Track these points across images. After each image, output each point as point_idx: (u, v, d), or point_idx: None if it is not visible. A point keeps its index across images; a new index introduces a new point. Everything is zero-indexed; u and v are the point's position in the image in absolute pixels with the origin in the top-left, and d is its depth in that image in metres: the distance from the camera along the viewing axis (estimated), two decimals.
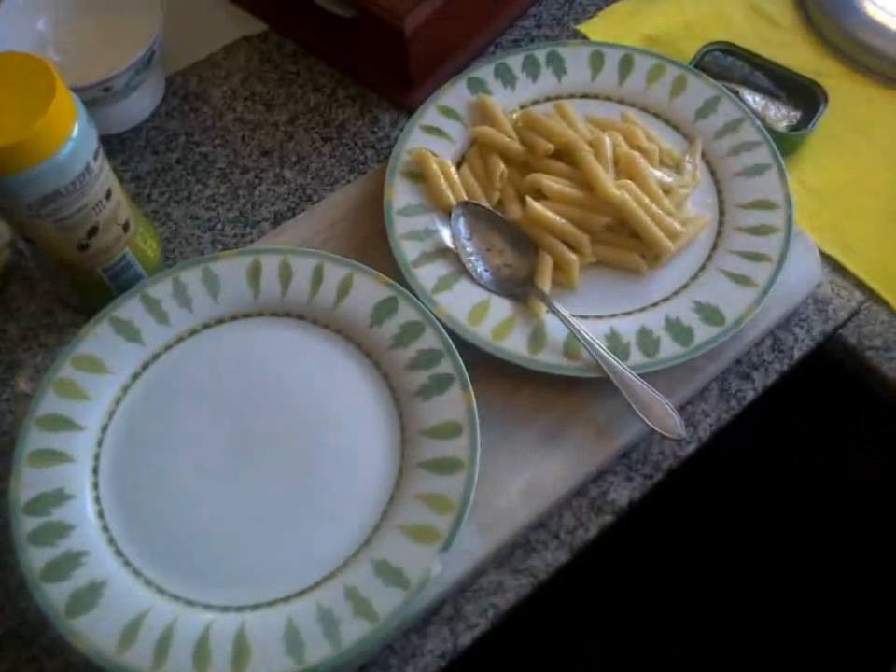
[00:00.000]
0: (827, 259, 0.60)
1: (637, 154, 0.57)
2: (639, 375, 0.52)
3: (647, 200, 0.56)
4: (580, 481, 0.51)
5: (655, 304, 0.55)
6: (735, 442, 0.56)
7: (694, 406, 0.56)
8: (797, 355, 0.57)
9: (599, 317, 0.55)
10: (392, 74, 0.68)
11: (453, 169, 0.59)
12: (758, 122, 0.60)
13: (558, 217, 0.56)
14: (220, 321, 0.54)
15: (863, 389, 0.57)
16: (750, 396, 0.56)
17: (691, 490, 0.57)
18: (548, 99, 0.63)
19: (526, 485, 0.51)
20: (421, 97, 0.65)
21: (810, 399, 0.59)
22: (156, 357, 0.53)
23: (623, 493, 0.53)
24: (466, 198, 0.58)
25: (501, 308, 0.55)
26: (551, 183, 0.56)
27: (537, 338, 0.53)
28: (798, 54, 0.70)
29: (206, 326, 0.54)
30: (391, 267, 0.56)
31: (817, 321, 0.58)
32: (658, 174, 0.58)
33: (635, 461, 0.54)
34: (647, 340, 0.53)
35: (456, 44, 0.69)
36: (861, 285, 0.59)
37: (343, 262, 0.56)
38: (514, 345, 0.53)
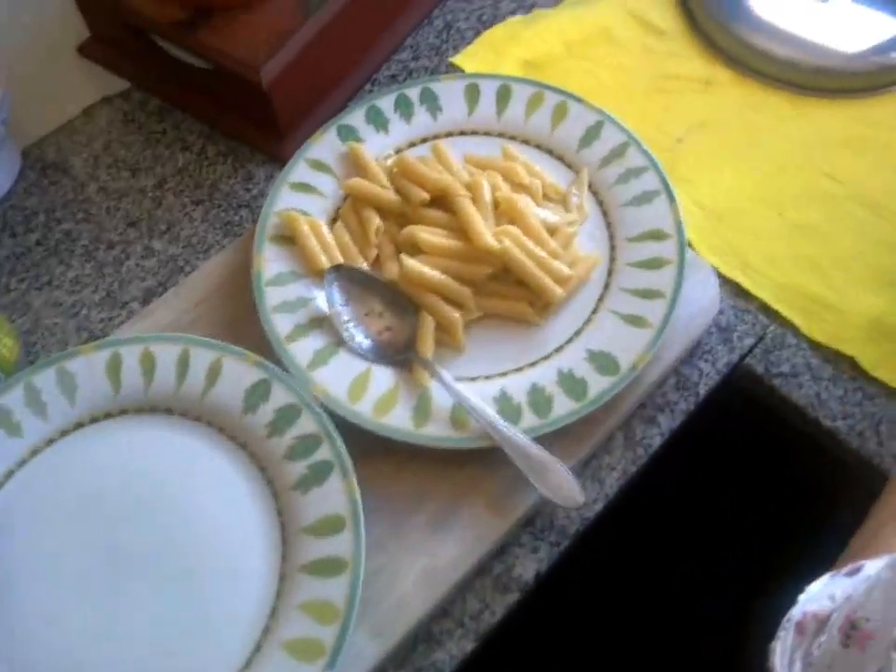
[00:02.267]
0: (729, 282, 0.56)
1: (517, 197, 0.52)
2: (534, 438, 0.47)
3: (531, 245, 0.51)
4: (479, 561, 0.47)
5: (547, 357, 0.50)
6: (646, 490, 0.52)
7: (599, 459, 0.51)
8: (703, 391, 0.53)
9: (488, 378, 0.50)
10: (261, 125, 0.62)
11: (325, 228, 0.54)
12: (644, 146, 0.56)
13: (437, 273, 0.51)
14: (79, 424, 0.49)
15: (775, 418, 0.53)
16: (657, 442, 0.52)
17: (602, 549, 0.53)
18: (424, 140, 0.58)
19: (421, 574, 0.46)
20: (295, 145, 0.60)
21: (720, 434, 0.55)
22: (9, 474, 0.48)
23: (528, 566, 0.48)
24: (341, 259, 0.53)
25: (383, 379, 0.50)
26: (427, 236, 0.51)
27: (422, 409, 0.49)
28: (686, 62, 0.65)
29: (64, 433, 0.48)
30: (264, 343, 0.51)
31: (721, 352, 0.54)
32: (542, 213, 0.53)
33: (539, 529, 0.49)
34: (539, 398, 0.49)
35: (327, 86, 0.64)
36: (765, 307, 0.55)
37: (210, 345, 0.50)
38: (398, 420, 0.48)
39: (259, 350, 0.50)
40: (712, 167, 0.60)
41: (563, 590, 0.51)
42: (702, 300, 0.53)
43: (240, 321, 0.53)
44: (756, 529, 0.61)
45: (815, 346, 0.53)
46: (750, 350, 0.54)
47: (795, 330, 0.54)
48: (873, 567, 0.30)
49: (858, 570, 0.30)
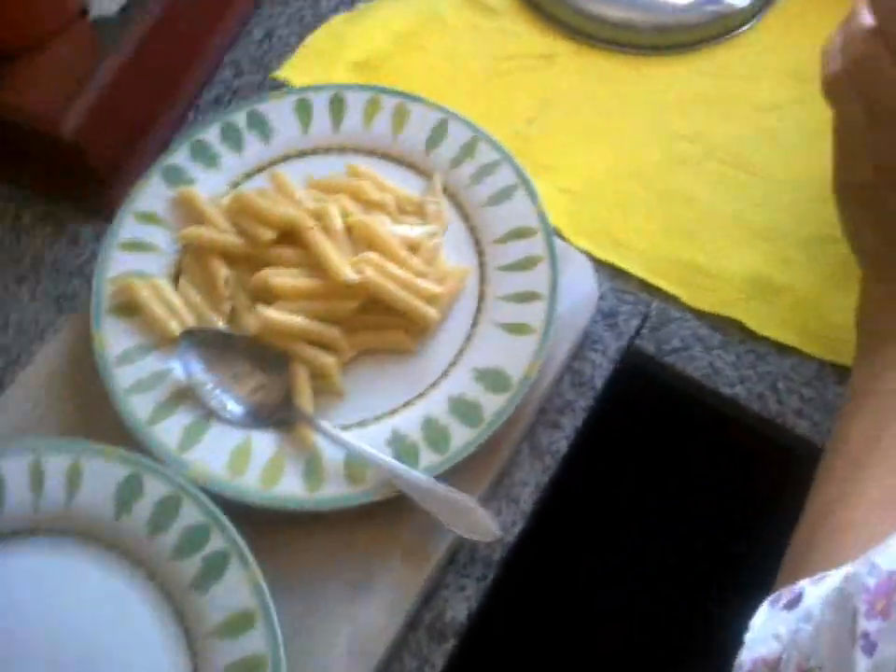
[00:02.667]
0: (604, 265, 0.54)
1: (370, 219, 0.49)
2: (438, 475, 0.45)
3: (394, 268, 0.48)
4: (406, 618, 0.44)
5: (434, 384, 0.47)
6: (561, 497, 0.50)
7: (509, 477, 0.49)
8: (599, 383, 0.51)
9: (378, 419, 0.47)
10: (77, 179, 0.56)
11: (169, 289, 0.49)
12: (494, 139, 0.53)
13: (299, 318, 0.47)
14: None
15: (676, 395, 0.52)
16: (564, 445, 0.50)
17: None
18: (260, 169, 0.54)
19: (350, 646, 0.43)
20: (121, 194, 0.54)
21: (625, 421, 0.53)
22: None
23: (459, 607, 0.45)
24: (192, 321, 0.48)
25: (265, 445, 0.46)
26: (281, 280, 0.47)
27: (313, 470, 0.45)
28: (524, 39, 0.62)
29: None
30: (125, 428, 0.46)
31: (610, 339, 0.52)
32: (400, 230, 0.50)
33: (462, 565, 0.47)
34: (434, 432, 0.46)
35: (144, 123, 0.58)
36: (645, 284, 0.54)
37: (63, 448, 0.45)
38: (290, 488, 0.44)
39: (121, 440, 0.45)
40: (567, 147, 0.58)
41: (498, 621, 0.49)
42: (581, 290, 0.51)
43: (95, 407, 0.48)
44: (683, 510, 0.61)
45: (700, 316, 0.52)
46: (638, 331, 0.52)
47: (678, 303, 0.53)
48: (813, 596, 0.28)
49: (798, 601, 0.29)
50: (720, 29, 0.62)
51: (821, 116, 0.58)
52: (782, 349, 0.51)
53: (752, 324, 0.51)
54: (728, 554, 0.60)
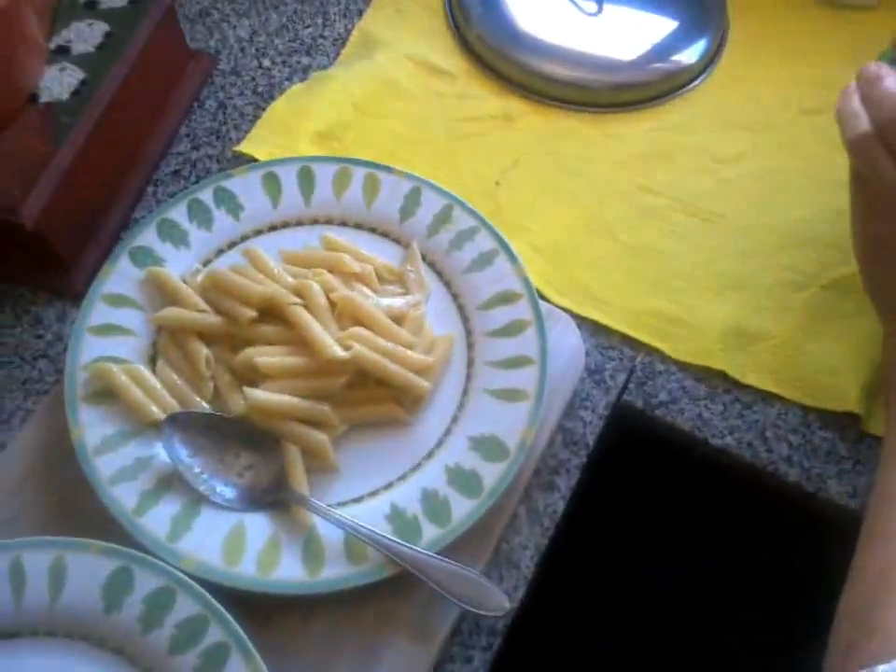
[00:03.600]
0: (585, 321, 0.55)
1: (354, 295, 0.49)
2: (440, 551, 0.45)
3: (382, 342, 0.48)
4: None
5: (430, 454, 0.48)
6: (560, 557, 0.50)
7: (509, 542, 0.49)
8: (591, 441, 0.52)
9: (374, 494, 0.47)
10: (38, 263, 0.55)
11: (147, 372, 0.49)
12: (468, 205, 0.54)
13: (288, 398, 0.47)
14: None
15: (668, 448, 0.54)
16: (561, 506, 0.50)
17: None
18: (232, 245, 0.54)
19: None
20: (84, 273, 0.54)
21: (619, 477, 0.54)
22: None
23: None
24: (175, 404, 0.48)
25: (260, 528, 0.45)
26: (266, 359, 0.47)
27: (312, 552, 0.44)
28: (482, 101, 0.64)
29: None
30: (111, 519, 0.45)
31: (598, 395, 0.53)
32: (385, 302, 0.50)
33: (468, 635, 0.47)
34: (434, 505, 0.46)
35: (103, 202, 0.58)
36: (627, 339, 0.55)
37: (46, 545, 0.43)
38: (288, 572, 0.44)
39: (106, 528, 0.44)
40: (537, 206, 0.59)
41: None
42: (568, 350, 0.52)
43: (77, 498, 0.46)
44: (678, 560, 0.61)
45: (684, 367, 0.54)
46: (625, 386, 0.54)
47: (662, 355, 0.55)
48: None
49: None
50: (671, 86, 0.66)
51: (776, 165, 0.62)
52: (766, 397, 0.53)
53: (734, 373, 0.53)
54: (723, 599, 0.61)
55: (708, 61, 0.67)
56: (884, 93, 0.40)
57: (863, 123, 0.41)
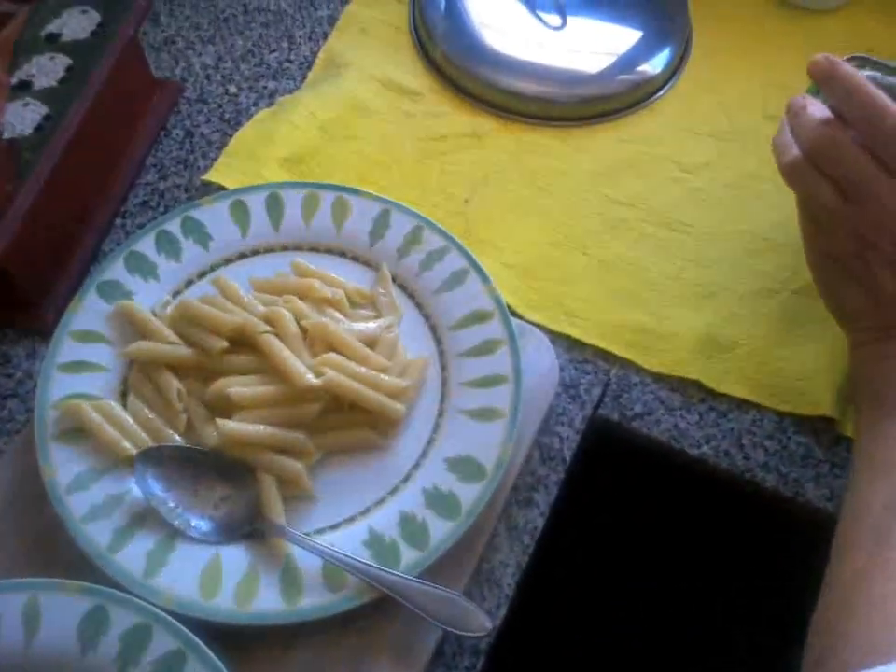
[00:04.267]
0: (559, 336, 0.56)
1: (326, 321, 0.49)
2: (420, 574, 0.45)
3: (355, 367, 0.48)
4: None
5: (406, 478, 0.48)
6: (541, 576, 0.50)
7: (489, 561, 0.49)
8: (569, 456, 0.52)
9: (352, 519, 0.47)
10: (4, 300, 0.55)
11: (118, 407, 0.49)
12: (438, 224, 0.55)
13: (261, 427, 0.47)
14: None
15: (645, 460, 0.54)
16: (541, 523, 0.50)
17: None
18: (202, 275, 0.54)
19: None
20: (52, 309, 0.54)
21: (599, 491, 0.55)
22: None
23: None
24: (147, 439, 0.48)
25: (237, 560, 0.45)
26: (239, 390, 0.47)
27: (290, 582, 0.44)
28: (450, 119, 0.65)
29: None
30: (84, 559, 0.45)
31: (574, 410, 0.54)
32: (357, 326, 0.51)
33: (451, 656, 0.47)
34: (412, 528, 0.46)
35: (70, 238, 0.58)
36: (601, 352, 0.55)
37: (19, 586, 0.43)
38: (267, 603, 0.44)
39: (82, 567, 0.44)
40: (507, 222, 0.60)
41: None
42: (542, 366, 0.52)
43: (50, 538, 0.46)
44: (660, 570, 0.62)
45: (658, 378, 0.54)
46: (601, 400, 0.54)
47: (636, 367, 0.55)
48: None
49: None
50: (637, 97, 0.66)
51: (743, 171, 0.62)
52: (742, 404, 0.53)
53: (709, 382, 0.54)
54: (705, 608, 0.62)
55: (673, 70, 0.68)
56: (808, 120, 0.42)
57: (794, 151, 0.43)
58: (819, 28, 0.68)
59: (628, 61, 0.66)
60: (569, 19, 0.68)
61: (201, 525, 0.46)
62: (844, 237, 0.42)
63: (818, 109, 0.42)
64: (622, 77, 0.66)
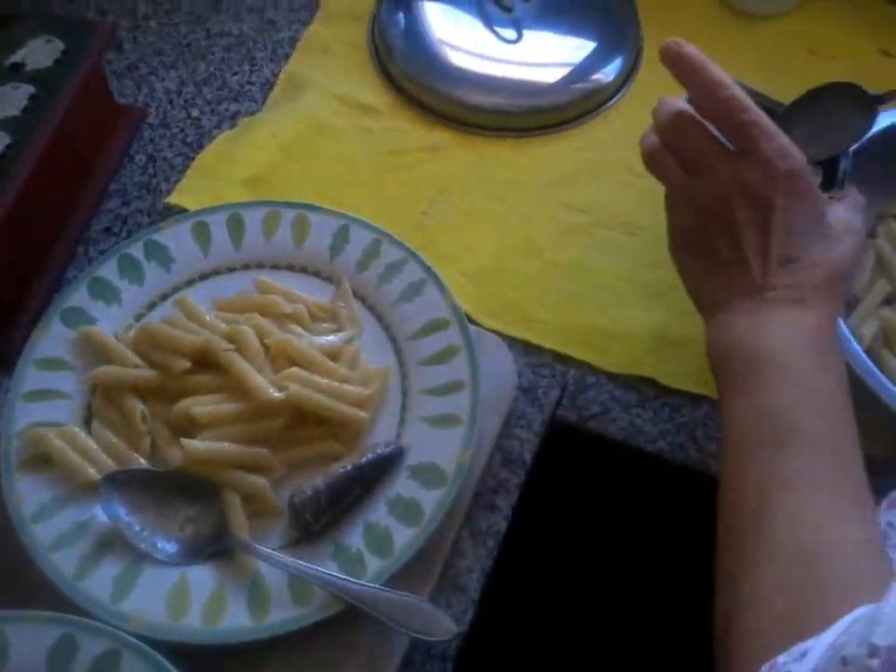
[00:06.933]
0: (517, 341, 0.54)
1: (288, 337, 0.47)
2: (385, 582, 0.43)
3: (318, 379, 0.46)
4: None
5: (370, 487, 0.46)
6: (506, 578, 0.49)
7: (455, 567, 0.47)
8: (529, 459, 0.50)
9: (318, 533, 0.44)
10: None
11: (82, 434, 0.46)
12: (396, 237, 0.53)
13: (225, 445, 0.44)
14: None
15: (604, 459, 0.52)
16: (504, 526, 0.48)
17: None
18: (164, 297, 0.52)
19: None
20: (15, 339, 0.52)
21: (560, 492, 0.53)
22: None
23: None
24: (112, 463, 0.45)
25: (203, 579, 0.43)
26: (202, 409, 0.45)
27: (257, 598, 0.42)
28: (407, 134, 0.63)
29: None
30: (52, 589, 0.42)
31: (532, 414, 0.51)
32: (319, 340, 0.48)
33: (420, 664, 0.45)
34: (377, 537, 0.44)
35: (31, 267, 0.55)
36: (558, 355, 0.53)
37: None
38: (235, 621, 0.41)
39: (51, 596, 0.42)
40: (464, 232, 0.58)
41: None
42: (500, 371, 0.50)
43: (17, 566, 0.44)
44: (623, 565, 0.60)
45: (614, 378, 0.52)
46: (559, 402, 0.52)
47: (592, 368, 0.53)
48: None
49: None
50: (590, 105, 0.64)
51: None
52: (694, 398, 0.52)
53: (663, 379, 0.52)
54: (672, 603, 0.60)
55: (625, 78, 0.65)
56: (664, 106, 0.43)
57: (653, 138, 0.43)
58: (772, 31, 0.66)
59: (582, 71, 0.64)
60: (525, 32, 0.65)
61: (167, 547, 0.43)
62: (693, 213, 0.42)
63: (676, 100, 0.43)
64: (575, 86, 0.63)
